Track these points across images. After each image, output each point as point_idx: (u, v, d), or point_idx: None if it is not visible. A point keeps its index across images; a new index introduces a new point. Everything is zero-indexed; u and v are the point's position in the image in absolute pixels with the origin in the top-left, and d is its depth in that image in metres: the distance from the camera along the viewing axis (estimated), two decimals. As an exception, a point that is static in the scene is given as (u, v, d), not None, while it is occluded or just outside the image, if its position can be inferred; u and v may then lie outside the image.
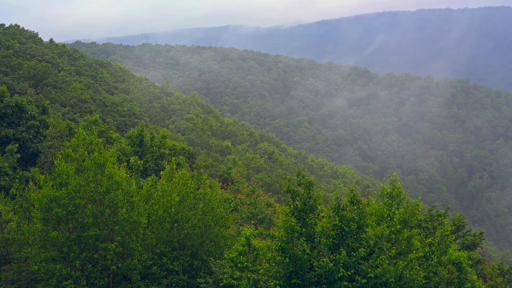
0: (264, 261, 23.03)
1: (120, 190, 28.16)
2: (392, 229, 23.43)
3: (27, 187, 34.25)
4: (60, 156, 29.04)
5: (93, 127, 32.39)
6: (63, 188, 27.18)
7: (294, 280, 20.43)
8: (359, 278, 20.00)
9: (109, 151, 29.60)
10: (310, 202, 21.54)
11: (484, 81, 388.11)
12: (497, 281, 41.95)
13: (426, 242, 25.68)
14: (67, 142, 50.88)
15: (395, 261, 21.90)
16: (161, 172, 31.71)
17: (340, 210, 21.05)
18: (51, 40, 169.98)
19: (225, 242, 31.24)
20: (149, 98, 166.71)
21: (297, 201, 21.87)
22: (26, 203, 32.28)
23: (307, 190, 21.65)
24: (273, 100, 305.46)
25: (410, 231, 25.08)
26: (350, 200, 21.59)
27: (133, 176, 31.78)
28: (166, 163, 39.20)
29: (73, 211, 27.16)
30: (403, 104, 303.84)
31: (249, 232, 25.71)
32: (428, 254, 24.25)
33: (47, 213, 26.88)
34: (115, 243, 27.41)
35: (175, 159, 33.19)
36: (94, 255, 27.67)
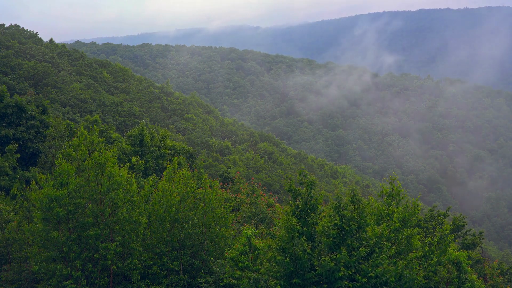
0: (264, 260, 23.05)
1: (120, 189, 28.15)
2: (392, 228, 23.46)
3: (28, 187, 34.31)
4: (61, 155, 29.05)
5: (94, 126, 32.38)
6: (64, 188, 27.16)
7: (294, 280, 20.44)
8: (359, 278, 20.03)
9: (110, 151, 29.60)
10: (312, 202, 21.54)
11: (484, 81, 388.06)
12: (497, 280, 41.95)
13: (426, 241, 25.72)
14: (67, 142, 50.96)
15: (395, 260, 21.93)
16: (164, 173, 31.73)
17: (341, 210, 21.08)
18: (51, 40, 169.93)
19: (225, 241, 31.25)
20: (149, 98, 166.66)
21: (298, 200, 21.86)
22: (27, 203, 32.32)
23: (308, 189, 21.64)
24: (273, 100, 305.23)
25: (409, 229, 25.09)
26: (350, 199, 21.62)
27: (133, 176, 31.79)
28: (167, 163, 39.25)
29: (73, 210, 27.14)
30: (403, 104, 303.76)
31: (250, 231, 25.73)
32: (427, 254, 24.29)
33: (47, 213, 26.86)
34: (115, 243, 27.38)
35: (176, 159, 33.19)
36: (95, 255, 27.64)
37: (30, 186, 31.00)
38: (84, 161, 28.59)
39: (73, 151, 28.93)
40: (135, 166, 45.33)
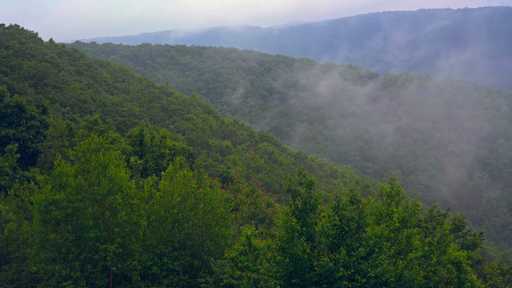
0: (264, 260, 23.05)
1: (119, 193, 27.86)
2: (391, 228, 23.45)
3: (27, 186, 34.31)
4: (60, 156, 28.93)
5: (109, 133, 32.23)
6: (62, 192, 26.92)
7: (294, 280, 20.44)
8: (359, 278, 20.02)
9: (114, 153, 29.39)
10: (311, 202, 21.54)
11: (484, 81, 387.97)
12: (497, 280, 41.96)
13: (426, 241, 25.71)
14: (67, 142, 50.91)
15: (394, 260, 21.92)
16: (162, 172, 31.68)
17: (340, 210, 21.07)
18: (51, 40, 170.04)
19: (226, 241, 31.24)
20: (149, 98, 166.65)
21: (298, 200, 21.85)
22: (22, 202, 32.32)
23: (308, 189, 21.63)
24: (273, 100, 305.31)
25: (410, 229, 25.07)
26: (350, 199, 21.60)
27: (133, 180, 31.70)
28: (168, 163, 39.20)
29: (72, 213, 27.02)
30: (403, 104, 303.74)
31: (250, 231, 25.73)
32: (427, 254, 24.27)
33: (46, 215, 26.77)
34: (115, 245, 27.31)
35: (178, 159, 33.14)
36: (94, 256, 27.59)
37: (28, 186, 30.91)
38: (87, 163, 28.35)
39: (81, 152, 28.58)
40: (133, 166, 45.26)
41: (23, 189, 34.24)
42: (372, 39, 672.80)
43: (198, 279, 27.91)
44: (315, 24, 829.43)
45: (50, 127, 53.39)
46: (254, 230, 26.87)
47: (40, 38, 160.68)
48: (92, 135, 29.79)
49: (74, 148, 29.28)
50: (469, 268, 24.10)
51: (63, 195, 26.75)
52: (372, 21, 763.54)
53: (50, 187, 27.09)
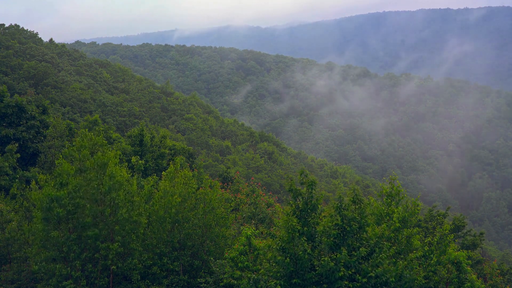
0: (264, 260, 23.05)
1: (121, 190, 28.02)
2: (392, 228, 23.47)
3: (28, 187, 34.34)
4: (61, 156, 29.02)
5: (100, 128, 32.48)
6: (64, 188, 27.09)
7: (294, 280, 20.44)
8: (359, 278, 20.02)
9: (112, 151, 29.54)
10: (312, 202, 21.53)
11: (484, 81, 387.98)
12: (497, 280, 41.95)
13: (426, 241, 25.74)
14: (66, 142, 50.91)
15: (394, 260, 21.94)
16: (163, 172, 31.70)
17: (342, 210, 21.07)
18: (51, 40, 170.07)
19: (226, 241, 31.24)
20: (149, 98, 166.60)
21: (299, 200, 21.85)
22: (27, 203, 32.32)
23: (309, 189, 21.63)
24: (273, 100, 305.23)
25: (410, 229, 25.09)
26: (352, 199, 21.61)
27: (134, 177, 31.78)
28: (169, 163, 39.20)
29: (73, 211, 27.10)
30: (403, 104, 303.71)
31: (250, 231, 25.73)
32: (427, 254, 24.30)
33: (48, 213, 26.82)
34: (116, 243, 27.33)
35: (179, 159, 33.19)
36: (95, 255, 27.61)
37: (30, 185, 30.94)
38: (86, 162, 28.48)
39: (76, 151, 28.86)
40: (135, 166, 45.30)
41: (26, 189, 34.27)
42: (372, 39, 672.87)
43: (198, 279, 27.91)
44: (315, 24, 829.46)
45: (50, 127, 53.39)
46: (254, 230, 26.88)
47: (40, 38, 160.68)
48: (83, 130, 29.91)
49: (68, 146, 29.41)
50: (469, 268, 24.13)
51: (65, 191, 26.83)
52: (373, 21, 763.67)
53: (52, 184, 27.19)
